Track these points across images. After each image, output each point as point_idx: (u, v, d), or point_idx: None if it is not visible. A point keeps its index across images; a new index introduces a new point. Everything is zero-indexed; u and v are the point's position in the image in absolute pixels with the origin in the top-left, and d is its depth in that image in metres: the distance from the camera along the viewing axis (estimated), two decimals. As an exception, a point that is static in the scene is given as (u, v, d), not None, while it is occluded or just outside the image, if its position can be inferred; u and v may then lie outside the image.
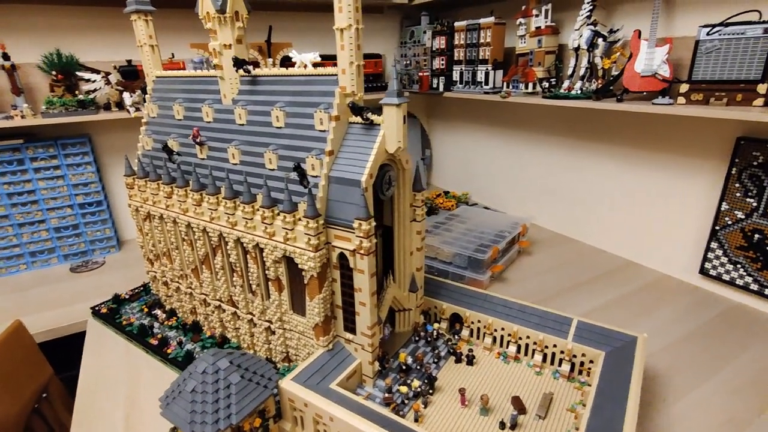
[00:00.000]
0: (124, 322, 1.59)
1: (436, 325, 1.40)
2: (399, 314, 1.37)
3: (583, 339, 1.27)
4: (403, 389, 1.18)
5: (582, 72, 1.88)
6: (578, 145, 2.19)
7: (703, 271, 1.75)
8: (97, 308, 1.68)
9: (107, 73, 1.94)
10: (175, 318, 1.60)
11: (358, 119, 1.10)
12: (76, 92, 1.99)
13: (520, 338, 1.35)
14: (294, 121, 1.17)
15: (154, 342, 1.47)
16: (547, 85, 2.01)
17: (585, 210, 2.23)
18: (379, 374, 1.22)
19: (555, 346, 1.30)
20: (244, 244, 1.23)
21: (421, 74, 2.69)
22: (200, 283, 1.45)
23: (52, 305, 1.77)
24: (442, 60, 2.55)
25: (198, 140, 1.32)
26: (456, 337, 1.45)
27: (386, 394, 1.15)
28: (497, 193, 2.76)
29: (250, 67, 1.23)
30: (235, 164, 1.28)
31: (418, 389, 1.19)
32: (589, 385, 1.18)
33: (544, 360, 1.33)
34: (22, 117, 1.84)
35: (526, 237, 2.19)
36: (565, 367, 1.27)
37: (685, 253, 1.82)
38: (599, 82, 1.83)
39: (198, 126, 1.37)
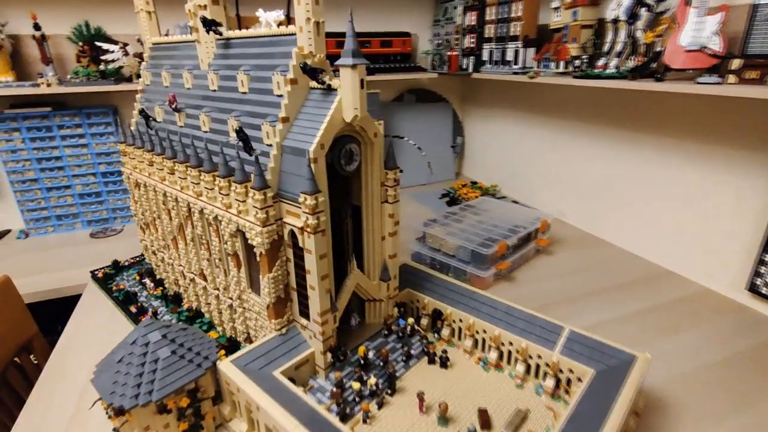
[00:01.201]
0: (114, 288, 1.62)
1: (410, 320, 1.27)
2: (369, 304, 1.26)
3: (573, 352, 1.09)
4: (356, 386, 1.07)
5: (619, 48, 1.63)
6: (615, 133, 1.93)
7: (753, 288, 1.46)
8: (95, 273, 1.73)
9: (125, 44, 1.98)
10: (161, 288, 1.60)
11: (316, 83, 0.99)
12: (102, 63, 2.05)
13: (502, 344, 1.19)
14: (257, 85, 1.09)
15: (134, 310, 1.48)
16: (578, 63, 1.77)
17: (619, 208, 1.97)
18: (332, 366, 1.12)
19: (539, 356, 1.12)
20: (206, 215, 1.18)
21: (450, 54, 2.51)
22: (178, 255, 1.43)
23: (63, 267, 1.85)
24: (473, 38, 2.36)
25: (174, 106, 1.28)
26: (436, 336, 1.32)
27: (335, 389, 1.05)
28: (528, 186, 2.53)
29: (221, 29, 1.16)
30: (206, 132, 1.23)
31: (374, 387, 1.08)
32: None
33: (528, 372, 1.16)
34: (48, 85, 1.92)
35: (547, 234, 1.97)
36: (550, 383, 1.10)
37: (733, 265, 1.53)
38: (639, 59, 1.58)
39: (179, 92, 1.33)
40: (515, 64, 2.11)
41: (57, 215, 2.21)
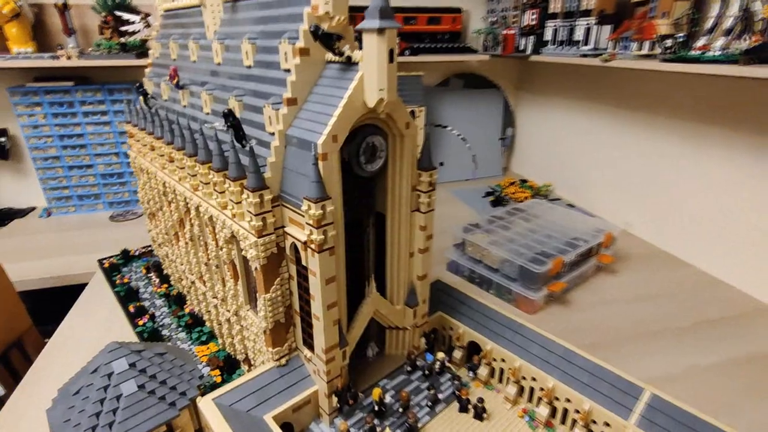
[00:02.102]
0: (118, 281, 1.49)
1: (440, 355, 1.04)
2: (391, 333, 1.03)
3: (655, 426, 0.81)
4: (366, 439, 0.85)
5: (729, 24, 1.28)
6: (708, 133, 1.57)
7: None
8: (103, 261, 1.61)
9: (146, 15, 1.82)
10: (166, 285, 1.45)
11: (334, 56, 0.75)
12: (124, 36, 1.92)
13: (557, 399, 0.93)
14: (263, 57, 0.87)
15: (132, 309, 1.33)
16: (670, 43, 1.43)
17: (706, 224, 1.62)
18: (339, 411, 0.91)
19: (607, 425, 0.86)
20: (201, 214, 0.98)
21: (505, 33, 2.19)
22: (180, 252, 1.26)
23: (76, 251, 1.75)
24: (534, 14, 2.03)
25: (175, 82, 1.09)
26: (471, 374, 1.07)
27: (339, 443, 0.84)
28: (589, 188, 2.20)
29: (227, -13, 0.95)
30: (207, 114, 1.03)
31: (389, 443, 0.86)
32: None
33: (589, 439, 0.90)
34: (68, 58, 1.80)
35: (611, 250, 1.65)
36: (619, 461, 0.83)
37: None
38: (755, 38, 1.23)
39: (186, 66, 1.14)
40: (585, 44, 1.78)
41: (79, 195, 2.13)
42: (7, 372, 1.27)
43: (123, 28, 1.83)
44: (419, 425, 0.93)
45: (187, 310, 1.32)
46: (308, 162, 0.73)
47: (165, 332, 1.25)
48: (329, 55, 0.77)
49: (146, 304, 1.38)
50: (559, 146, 2.40)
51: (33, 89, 1.91)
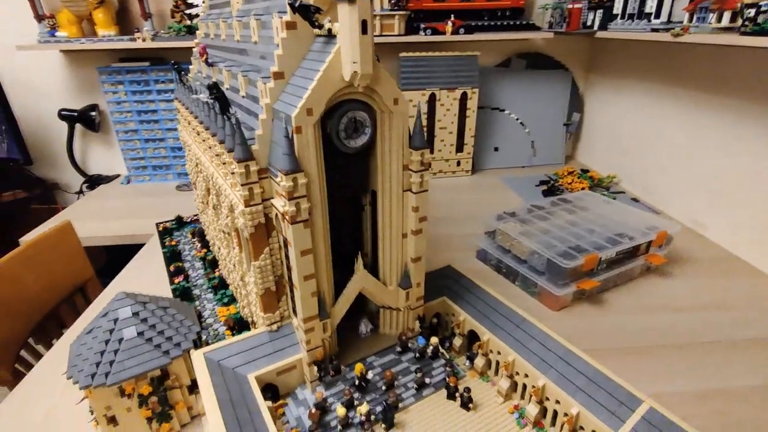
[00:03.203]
0: (167, 243, 1.65)
1: (434, 340, 1.01)
2: (384, 312, 1.03)
3: (647, 444, 0.73)
4: (341, 411, 0.87)
5: (830, -15, 1.05)
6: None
7: None
8: (159, 225, 1.79)
9: (208, -2, 1.94)
10: (206, 250, 1.58)
11: (319, 30, 0.75)
12: (190, 18, 2.08)
13: (547, 399, 0.87)
14: (264, 33, 0.90)
15: (172, 269, 1.47)
16: (753, 13, 1.21)
17: (789, 229, 1.38)
18: (320, 381, 0.93)
19: (595, 433, 0.79)
20: (214, 184, 1.05)
21: (571, 6, 2.01)
22: (209, 220, 1.36)
23: (146, 216, 1.95)
24: (603, -16, 1.84)
25: (204, 59, 1.16)
26: (468, 363, 1.04)
27: (313, 410, 0.87)
28: (658, 183, 1.97)
29: (243, -34, 0.98)
30: (227, 89, 1.09)
31: (363, 417, 0.87)
32: None
33: (578, 446, 0.83)
34: (143, 40, 2.00)
35: (666, 250, 1.47)
36: (605, 474, 0.76)
37: None
38: None
39: (218, 45, 1.21)
40: (656, 17, 1.58)
41: (153, 165, 2.37)
42: (73, 312, 1.48)
43: (188, 11, 1.98)
44: (401, 405, 0.92)
45: (217, 274, 1.43)
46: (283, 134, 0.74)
47: (196, 292, 1.37)
48: (316, 30, 0.78)
49: (186, 265, 1.51)
50: (630, 134, 2.17)
51: (117, 69, 2.15)
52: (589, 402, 0.81)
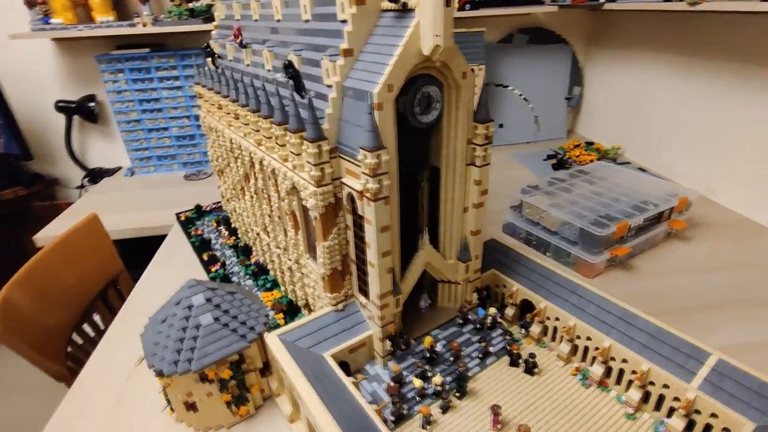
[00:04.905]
0: (192, 233, 1.62)
1: (492, 310, 1.04)
2: (443, 286, 1.05)
3: (720, 391, 0.78)
4: (417, 383, 0.89)
5: None
6: (815, 84, 1.38)
7: None
8: (179, 215, 1.76)
9: (212, -21, 1.88)
10: (234, 237, 1.56)
11: (389, 3, 0.75)
12: (192, 1, 2.00)
13: (613, 359, 0.91)
14: (320, 10, 0.88)
15: (206, 257, 1.46)
16: (775, -21, 1.25)
17: (802, 188, 1.45)
18: (392, 355, 0.95)
19: (666, 386, 0.83)
20: (265, 167, 1.04)
21: (578, -20, 2.02)
22: (246, 206, 1.34)
23: (157, 207, 1.92)
24: (611, -44, 1.85)
25: (239, 41, 1.14)
26: (523, 332, 1.08)
27: (391, 383, 0.89)
28: (664, 152, 2.03)
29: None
30: (269, 71, 1.07)
31: (439, 387, 0.90)
32: (707, 469, 0.73)
33: (646, 401, 0.88)
34: (144, 25, 1.92)
35: (685, 215, 1.54)
36: (677, 423, 0.81)
37: None
38: None
39: (248, 26, 1.18)
40: (669, -13, 1.60)
41: (157, 156, 2.31)
42: (104, 306, 1.46)
43: (191, -6, 1.91)
44: (469, 374, 0.95)
45: (253, 260, 1.42)
46: (364, 112, 0.74)
47: (234, 279, 1.36)
48: (385, 3, 0.77)
49: (217, 254, 1.50)
50: (632, 106, 2.22)
51: (116, 56, 2.07)
52: (656, 357, 0.85)
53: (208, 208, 1.81)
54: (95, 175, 2.35)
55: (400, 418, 0.87)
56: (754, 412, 0.74)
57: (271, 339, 0.89)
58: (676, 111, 1.94)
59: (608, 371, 0.93)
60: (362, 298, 0.95)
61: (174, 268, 1.48)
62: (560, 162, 2.21)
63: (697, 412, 0.79)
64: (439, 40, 0.69)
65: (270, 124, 0.96)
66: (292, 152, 0.88)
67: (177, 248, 1.60)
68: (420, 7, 0.70)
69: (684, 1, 1.49)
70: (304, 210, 0.96)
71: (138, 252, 1.75)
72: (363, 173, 0.75)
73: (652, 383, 0.85)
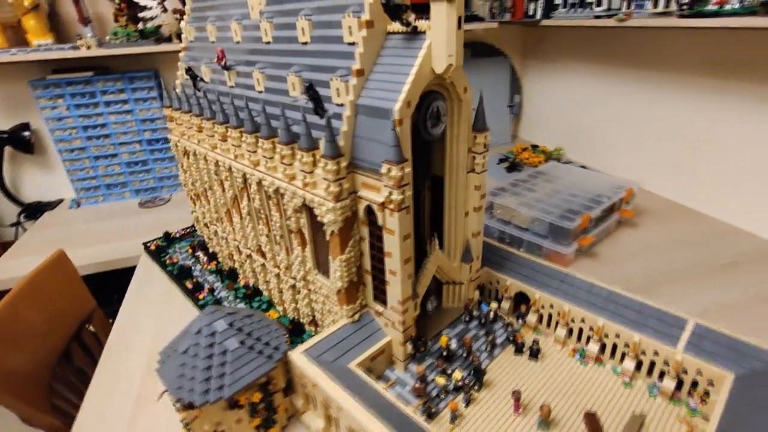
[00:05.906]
0: (168, 262, 1.55)
1: (493, 305, 1.12)
2: (447, 287, 1.11)
3: (701, 351, 0.91)
4: (441, 380, 0.94)
5: (746, -24, 1.33)
6: (722, 88, 1.64)
7: None
8: (147, 244, 1.67)
9: (162, 0, 1.82)
10: (215, 262, 1.52)
11: (398, 26, 0.80)
12: (140, 22, 1.92)
13: (606, 336, 1.02)
14: (321, 33, 0.92)
15: (190, 285, 1.40)
16: (687, -1, 1.47)
17: (720, 176, 1.70)
18: (412, 358, 0.99)
19: (656, 353, 0.95)
20: (265, 188, 1.04)
21: (515, -2, 2.21)
22: (233, 229, 1.32)
23: (115, 238, 1.81)
24: (544, -23, 2.06)
25: (223, 63, 1.13)
26: (520, 321, 1.16)
27: (417, 384, 0.93)
28: (601, 150, 2.27)
29: (277, -34, 0.98)
30: (260, 92, 1.07)
31: (460, 383, 0.95)
32: (705, 418, 0.84)
33: (638, 369, 0.99)
34: (88, 48, 1.81)
35: (630, 205, 1.74)
36: (668, 384, 0.93)
37: None
38: (773, -11, 1.28)
39: (227, 48, 1.18)
40: (598, 5, 1.82)
41: (106, 184, 2.17)
42: (82, 351, 1.34)
43: (141, 15, 1.83)
44: (483, 367, 1.02)
45: (242, 283, 1.39)
46: (382, 128, 0.79)
47: (225, 303, 1.32)
48: (392, 26, 0.82)
49: (200, 280, 1.45)
50: (568, 110, 2.46)
51: (54, 81, 1.93)
52: (644, 329, 0.97)
53: (177, 235, 1.73)
54: (33, 210, 2.14)
55: (429, 417, 0.91)
56: (732, 364, 0.87)
57: (297, 356, 0.90)
58: (609, 113, 2.18)
59: (602, 348, 1.04)
60: (378, 307, 0.98)
61: (152, 300, 1.41)
62: (513, 165, 2.38)
63: (685, 372, 0.92)
64: (452, 59, 0.76)
65: (272, 144, 0.97)
66: (302, 171, 0.90)
67: (151, 280, 1.52)
68: (432, 29, 0.76)
69: (613, 18, 1.71)
70: (313, 227, 0.98)
71: (103, 287, 1.63)
72: (386, 186, 0.79)
73: (643, 353, 0.97)
